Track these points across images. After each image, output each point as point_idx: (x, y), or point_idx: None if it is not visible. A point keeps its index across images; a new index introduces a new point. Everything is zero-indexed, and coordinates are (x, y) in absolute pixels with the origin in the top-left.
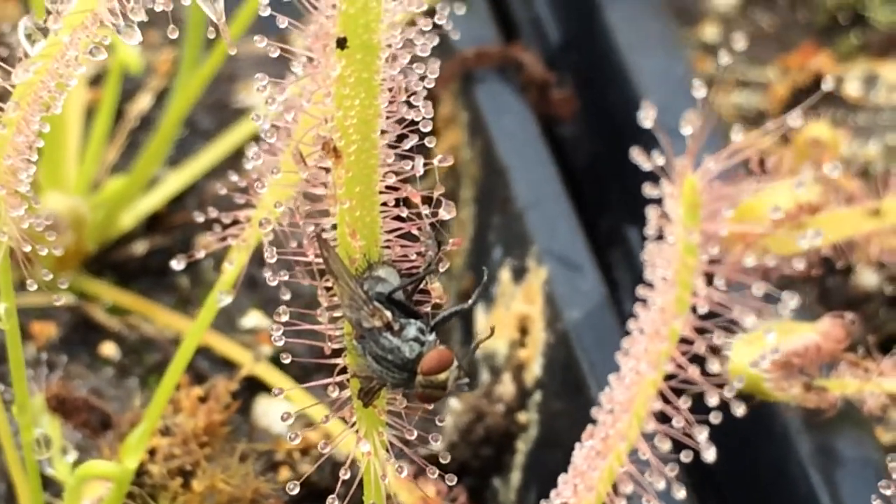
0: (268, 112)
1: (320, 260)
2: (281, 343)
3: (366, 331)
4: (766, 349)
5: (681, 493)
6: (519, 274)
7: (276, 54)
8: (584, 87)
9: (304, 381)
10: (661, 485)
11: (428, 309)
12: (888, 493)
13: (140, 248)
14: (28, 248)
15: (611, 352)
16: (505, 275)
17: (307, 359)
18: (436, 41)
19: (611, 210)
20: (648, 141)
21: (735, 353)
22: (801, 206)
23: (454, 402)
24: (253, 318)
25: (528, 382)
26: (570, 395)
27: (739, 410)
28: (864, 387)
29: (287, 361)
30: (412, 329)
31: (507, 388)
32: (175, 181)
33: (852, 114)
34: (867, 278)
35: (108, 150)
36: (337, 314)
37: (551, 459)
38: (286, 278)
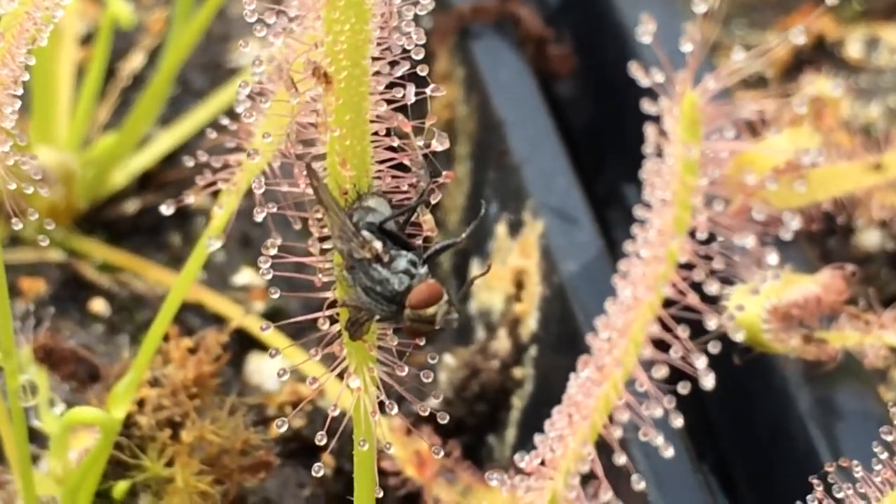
0: (258, 43)
1: (311, 192)
2: (269, 276)
3: (356, 262)
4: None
5: (678, 421)
6: (515, 228)
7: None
8: (582, 46)
9: (297, 338)
10: (658, 412)
11: (420, 242)
12: (889, 438)
13: (132, 206)
14: (13, 187)
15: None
16: (501, 229)
17: (309, 306)
18: None
19: (608, 170)
20: (642, 99)
21: (732, 303)
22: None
23: (449, 359)
24: (245, 276)
25: (524, 337)
26: (566, 348)
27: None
28: (865, 339)
29: (282, 316)
30: (402, 261)
31: (502, 343)
32: (167, 139)
33: (854, 76)
34: (869, 238)
35: (100, 109)
36: (327, 246)
37: (547, 415)
38: (273, 209)
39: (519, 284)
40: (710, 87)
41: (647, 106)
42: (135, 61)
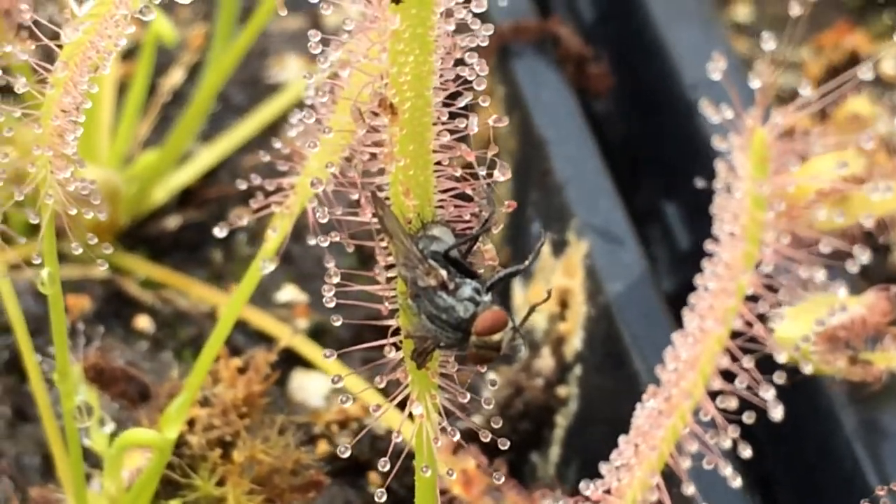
0: (318, 71)
1: (372, 220)
2: (332, 305)
3: (420, 290)
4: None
5: (746, 452)
6: (558, 248)
7: (308, 29)
8: (618, 63)
9: (340, 356)
10: (727, 444)
11: (482, 270)
12: None
13: (173, 222)
14: (73, 212)
15: (653, 325)
16: (544, 249)
17: (351, 324)
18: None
19: (645, 187)
20: (685, 116)
21: (780, 326)
22: (846, 178)
23: (492, 377)
24: (288, 292)
25: (568, 356)
26: (612, 368)
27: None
28: None
29: (325, 333)
30: (467, 289)
31: (546, 362)
32: (208, 156)
33: (889, 92)
34: None
35: (140, 125)
36: (391, 274)
37: (592, 433)
38: (336, 239)
39: (563, 304)
40: (778, 123)
41: (717, 143)
42: (175, 77)
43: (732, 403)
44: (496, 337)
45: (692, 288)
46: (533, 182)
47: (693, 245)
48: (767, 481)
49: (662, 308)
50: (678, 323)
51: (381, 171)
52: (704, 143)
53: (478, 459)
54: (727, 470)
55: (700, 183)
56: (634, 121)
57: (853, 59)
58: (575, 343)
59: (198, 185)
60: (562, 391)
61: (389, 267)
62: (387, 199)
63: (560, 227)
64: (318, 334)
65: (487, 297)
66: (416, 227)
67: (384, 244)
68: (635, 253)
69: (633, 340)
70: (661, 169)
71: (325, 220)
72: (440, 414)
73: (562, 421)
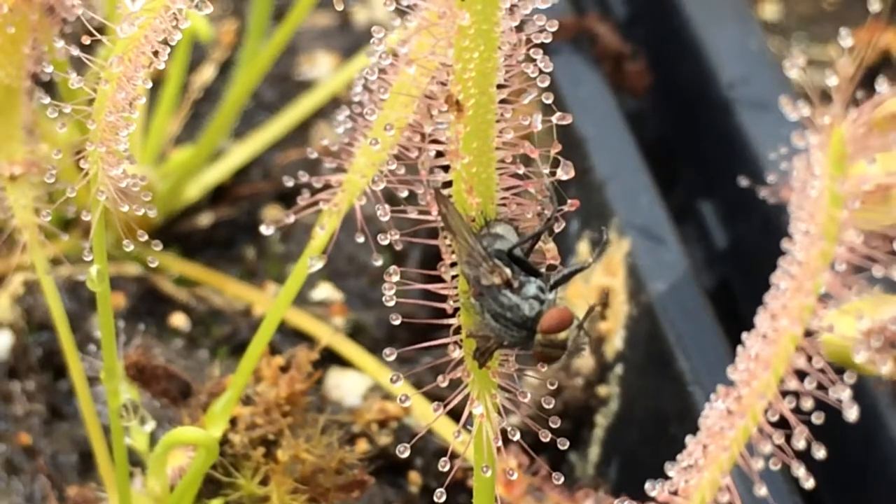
0: (377, 62)
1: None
2: (392, 303)
3: (484, 288)
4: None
5: (820, 452)
6: (598, 246)
7: (337, 26)
8: (652, 61)
9: (375, 353)
10: (801, 444)
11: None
12: None
13: (205, 219)
14: (125, 209)
15: (697, 324)
16: (583, 247)
17: (386, 323)
18: None
19: (681, 185)
20: (719, 114)
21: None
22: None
23: (531, 376)
24: (323, 291)
25: (609, 355)
26: (655, 367)
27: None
28: None
29: (361, 331)
30: (532, 287)
31: (585, 361)
32: (240, 153)
33: None
34: None
35: (172, 122)
36: (453, 272)
37: (633, 433)
38: (396, 237)
39: (605, 304)
40: (856, 120)
41: (797, 140)
42: (206, 74)
43: (809, 404)
44: (562, 335)
45: (729, 286)
46: (572, 180)
47: (729, 243)
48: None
49: (706, 307)
50: (720, 321)
51: (432, 170)
52: (741, 141)
53: (518, 459)
54: (800, 471)
55: (743, 182)
56: (669, 119)
57: (886, 58)
58: (616, 342)
59: (230, 183)
60: (602, 390)
61: (451, 265)
62: (449, 196)
63: (599, 225)
64: (356, 333)
65: (552, 295)
66: (479, 225)
67: (447, 242)
68: (677, 251)
69: (677, 340)
70: (696, 167)
71: (387, 218)
72: (500, 413)
73: (602, 420)
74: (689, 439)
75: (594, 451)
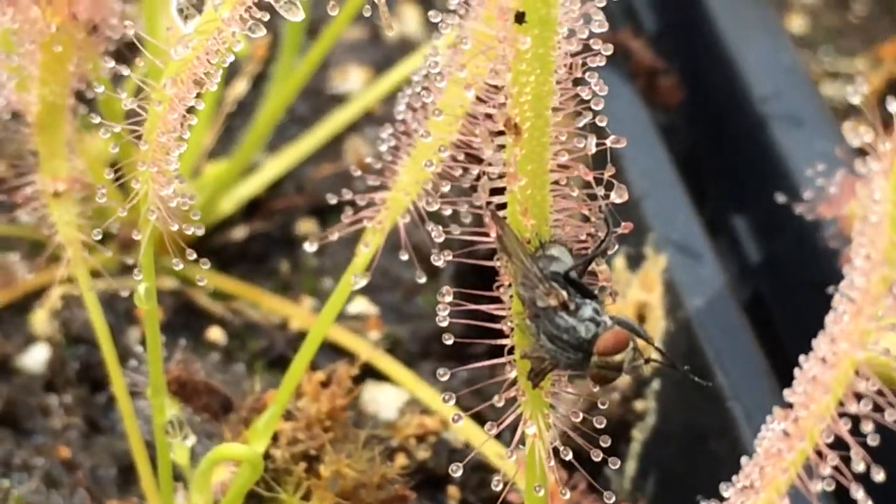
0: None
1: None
2: (445, 323)
3: (540, 310)
4: None
5: (880, 475)
6: (634, 262)
7: (368, 40)
8: (682, 76)
9: (410, 366)
10: (860, 467)
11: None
12: None
13: (239, 233)
14: (175, 228)
15: (735, 339)
16: (619, 263)
17: (421, 337)
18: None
19: (712, 200)
20: (752, 129)
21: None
22: None
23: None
24: (359, 305)
25: (646, 370)
26: (692, 383)
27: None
28: None
29: (396, 346)
30: (588, 309)
31: (622, 377)
32: (274, 167)
33: None
34: None
35: (206, 135)
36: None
37: (670, 447)
38: (448, 259)
39: (640, 318)
40: None
41: (859, 166)
42: (239, 88)
43: (869, 427)
44: (619, 357)
45: (762, 301)
46: (607, 196)
47: (763, 258)
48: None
49: (743, 322)
50: (757, 332)
51: (474, 189)
52: (774, 156)
53: (557, 474)
54: (859, 494)
55: (779, 198)
56: (701, 134)
57: None
58: (653, 357)
59: (264, 197)
60: (639, 405)
61: (505, 286)
62: (504, 218)
63: (636, 241)
64: (392, 347)
65: (608, 318)
66: (533, 247)
67: (502, 263)
68: (714, 267)
69: (715, 355)
70: (729, 182)
71: (440, 239)
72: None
73: (638, 435)
74: (743, 461)
75: (631, 466)
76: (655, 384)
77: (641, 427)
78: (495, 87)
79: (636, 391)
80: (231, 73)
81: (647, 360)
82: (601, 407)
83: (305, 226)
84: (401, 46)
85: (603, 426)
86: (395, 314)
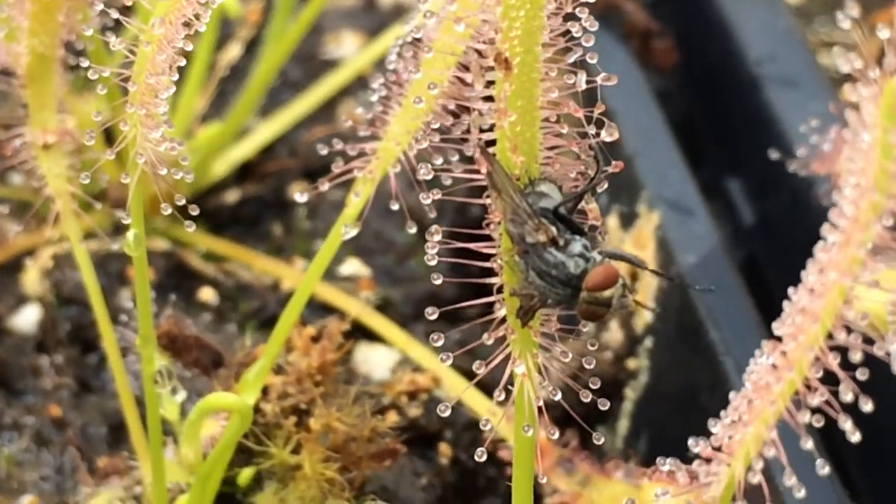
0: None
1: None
2: (434, 262)
3: (529, 246)
4: None
5: (867, 406)
6: (627, 220)
7: (363, 6)
8: (678, 39)
9: (404, 327)
10: (849, 397)
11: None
12: None
13: (232, 196)
14: (164, 172)
15: (728, 295)
16: (612, 221)
17: (414, 298)
18: None
19: (707, 163)
20: (747, 91)
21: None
22: None
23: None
24: (351, 266)
25: (639, 328)
26: (685, 340)
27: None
28: None
29: (389, 306)
30: (577, 245)
31: (614, 335)
32: (267, 131)
33: None
34: None
35: (199, 99)
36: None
37: (663, 405)
38: (436, 197)
39: (633, 276)
40: None
41: (847, 92)
42: (232, 52)
43: (858, 355)
44: (608, 293)
45: (756, 263)
46: (600, 153)
47: (757, 220)
48: (840, 454)
49: (736, 278)
50: (752, 294)
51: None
52: (768, 118)
53: (548, 431)
54: (847, 424)
55: (772, 156)
56: (696, 97)
57: None
58: (645, 315)
59: (257, 160)
60: (631, 364)
61: (494, 224)
62: (493, 154)
63: (629, 199)
64: (385, 307)
65: (597, 254)
66: (523, 184)
67: (492, 199)
68: (707, 224)
69: (707, 311)
70: (723, 145)
71: (429, 177)
72: (541, 373)
73: (631, 394)
74: (732, 395)
75: (623, 425)
76: (648, 342)
77: (634, 385)
78: (486, 22)
79: (629, 350)
80: (224, 38)
81: (636, 297)
82: (592, 367)
83: (298, 188)
84: (395, 12)
85: (596, 386)
86: (387, 276)
